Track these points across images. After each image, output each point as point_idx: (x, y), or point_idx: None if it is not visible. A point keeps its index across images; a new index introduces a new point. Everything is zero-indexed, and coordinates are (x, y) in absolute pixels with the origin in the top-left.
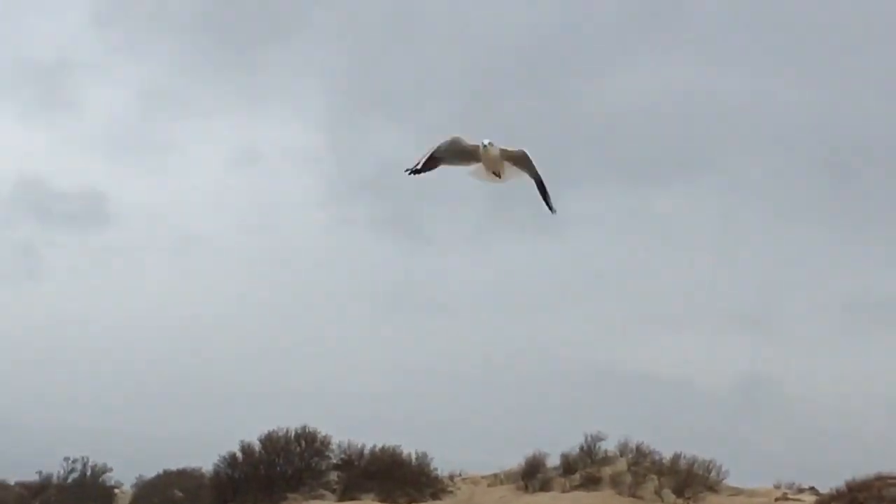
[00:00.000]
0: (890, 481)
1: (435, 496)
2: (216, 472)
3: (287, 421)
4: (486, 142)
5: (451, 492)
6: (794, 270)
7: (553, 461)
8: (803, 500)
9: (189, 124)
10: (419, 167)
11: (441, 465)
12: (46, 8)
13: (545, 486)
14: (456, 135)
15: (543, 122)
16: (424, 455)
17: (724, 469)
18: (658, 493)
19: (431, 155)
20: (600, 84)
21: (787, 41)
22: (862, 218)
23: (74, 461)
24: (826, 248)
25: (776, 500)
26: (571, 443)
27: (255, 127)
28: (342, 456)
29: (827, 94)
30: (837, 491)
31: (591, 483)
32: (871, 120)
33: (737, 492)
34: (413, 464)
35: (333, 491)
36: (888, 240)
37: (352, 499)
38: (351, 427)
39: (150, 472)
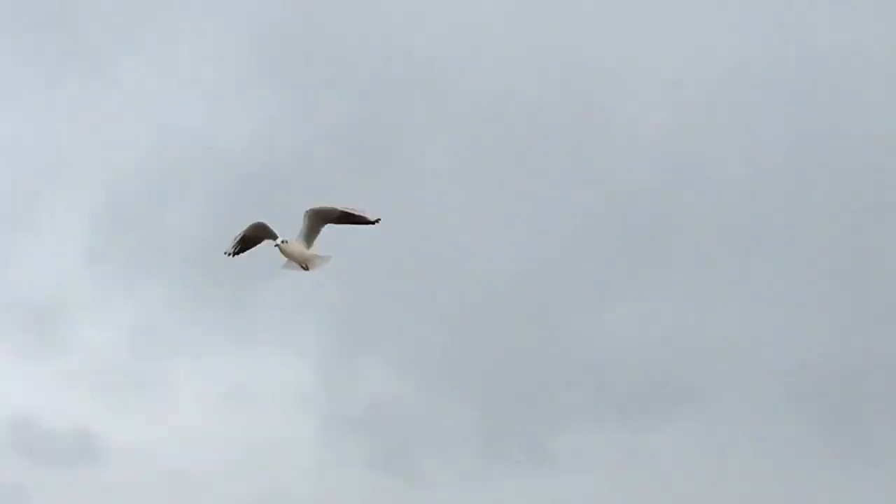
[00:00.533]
0: None
1: None
2: None
3: None
4: (279, 240)
5: None
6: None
7: None
8: None
9: (180, 361)
10: (233, 250)
11: None
12: (44, 248)
13: None
14: (262, 221)
15: (534, 357)
16: None
17: None
18: None
19: (242, 237)
20: (590, 319)
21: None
22: (865, 459)
23: None
24: (826, 494)
25: None
26: None
27: (246, 364)
28: None
29: (818, 323)
30: None
31: None
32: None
33: None
34: None
35: None
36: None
37: None
38: None
39: None
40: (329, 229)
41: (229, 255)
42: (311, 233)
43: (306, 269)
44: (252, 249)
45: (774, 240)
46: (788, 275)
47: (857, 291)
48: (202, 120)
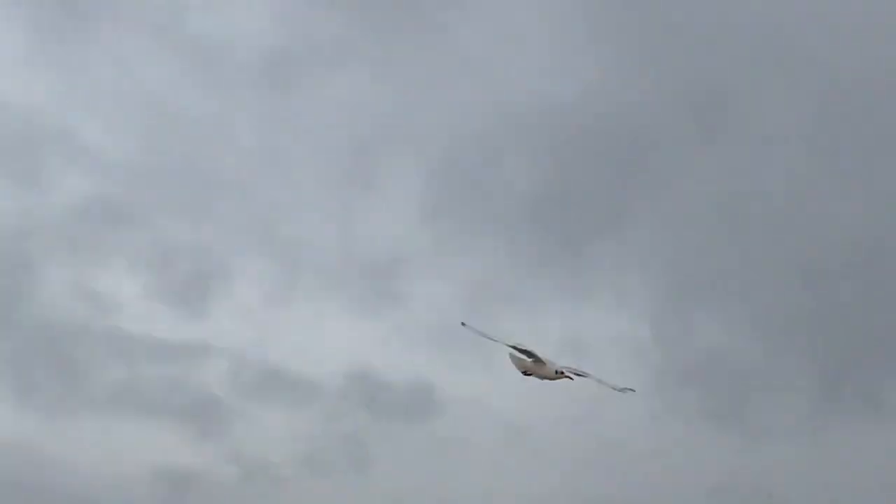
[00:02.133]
0: None
1: None
2: None
3: None
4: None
5: None
6: None
7: None
8: None
9: (514, 317)
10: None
11: None
12: (382, 205)
13: None
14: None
15: (870, 308)
16: None
17: None
18: None
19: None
20: None
21: None
22: None
23: None
24: None
25: None
26: None
27: (580, 319)
28: None
29: None
30: None
31: None
32: None
33: None
34: None
35: None
36: None
37: None
38: None
39: None
40: None
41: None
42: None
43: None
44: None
45: None
46: None
47: None
48: (536, 77)
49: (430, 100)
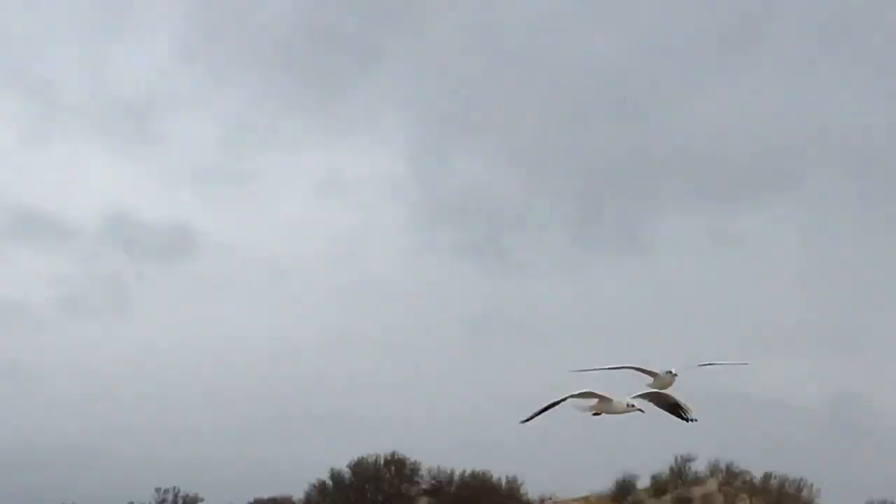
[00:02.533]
0: None
1: None
2: (307, 500)
3: (376, 447)
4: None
5: None
6: (881, 287)
7: (643, 483)
8: None
9: (274, 156)
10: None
11: (532, 489)
12: (132, 43)
13: None
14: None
15: (628, 147)
16: (515, 479)
17: (815, 488)
18: None
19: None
20: (682, 108)
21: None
22: None
23: (165, 491)
24: None
25: None
26: (661, 464)
27: (339, 157)
28: (432, 482)
29: None
30: None
31: None
32: None
33: None
34: (503, 488)
35: None
36: None
37: None
38: (441, 452)
39: (241, 501)
40: None
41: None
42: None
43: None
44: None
45: (866, 25)
46: (881, 60)
47: None
48: None
49: None
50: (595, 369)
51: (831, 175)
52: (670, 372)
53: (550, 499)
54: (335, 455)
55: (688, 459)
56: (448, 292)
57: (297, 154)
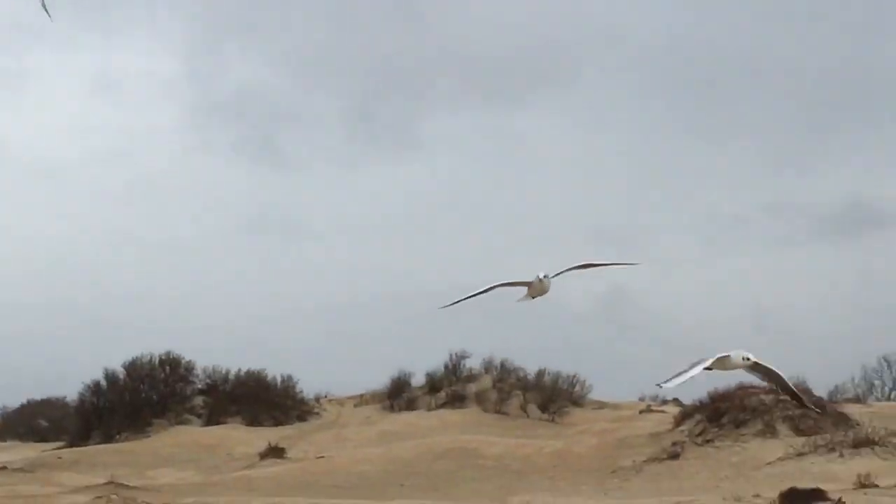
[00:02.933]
0: (751, 391)
1: (301, 418)
2: (81, 401)
3: (151, 347)
4: (543, 274)
5: (318, 413)
6: (656, 185)
7: (418, 380)
8: (667, 412)
9: (44, 54)
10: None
11: (307, 388)
12: None
13: (411, 405)
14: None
15: (404, 45)
16: (290, 378)
17: (588, 384)
18: (523, 408)
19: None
20: (458, 5)
21: None
22: (724, 132)
23: None
24: (689, 163)
25: (640, 412)
26: (436, 362)
27: (113, 55)
28: (207, 381)
29: (687, 10)
30: (700, 402)
31: (456, 401)
32: (733, 34)
33: (601, 405)
34: (278, 387)
35: (199, 416)
36: (751, 152)
37: (218, 423)
38: (216, 352)
39: (14, 403)
40: None
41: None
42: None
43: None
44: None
45: None
46: None
47: None
48: None
49: None
50: (465, 299)
51: (607, 73)
52: (541, 277)
53: (326, 396)
54: (111, 358)
55: (462, 357)
56: (224, 192)
57: (69, 52)
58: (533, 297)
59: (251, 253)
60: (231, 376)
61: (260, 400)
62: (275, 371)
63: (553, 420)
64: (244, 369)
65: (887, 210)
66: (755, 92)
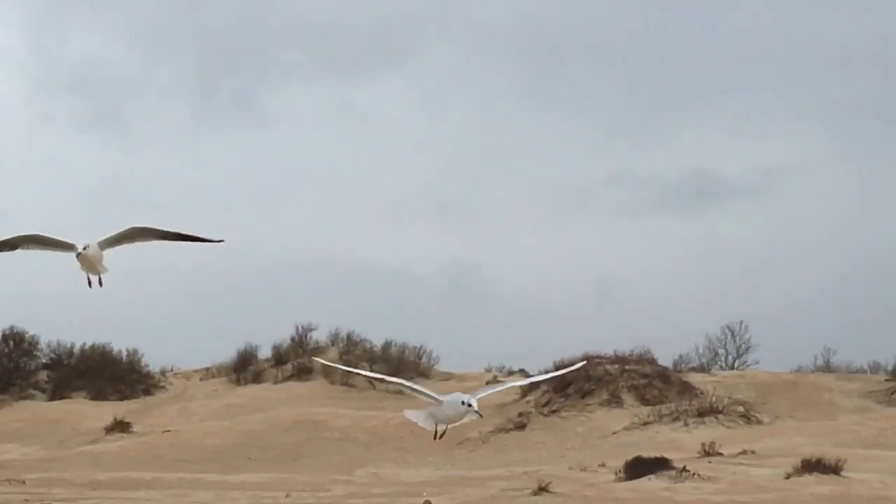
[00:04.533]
0: (597, 361)
1: (147, 392)
2: None
3: None
4: (81, 246)
5: (164, 387)
6: (499, 157)
7: (265, 353)
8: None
9: None
10: None
11: (152, 362)
12: None
13: (257, 378)
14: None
15: (246, 20)
16: (135, 352)
17: (435, 355)
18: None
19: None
20: None
21: None
22: (567, 105)
23: None
24: (534, 136)
25: (487, 383)
26: (283, 334)
27: None
28: (51, 355)
29: None
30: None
31: (303, 373)
32: (576, 8)
33: (448, 376)
34: (124, 361)
35: (44, 391)
36: (594, 125)
37: (63, 398)
38: (60, 326)
39: None
40: None
41: None
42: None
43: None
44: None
45: None
46: None
47: None
48: None
49: None
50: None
51: (452, 48)
52: (77, 249)
53: (171, 370)
54: None
55: (309, 329)
56: (68, 166)
57: None
58: (86, 269)
59: (95, 227)
60: (76, 350)
61: (105, 374)
62: (120, 345)
63: (400, 392)
64: (89, 343)
65: (729, 181)
66: (598, 65)
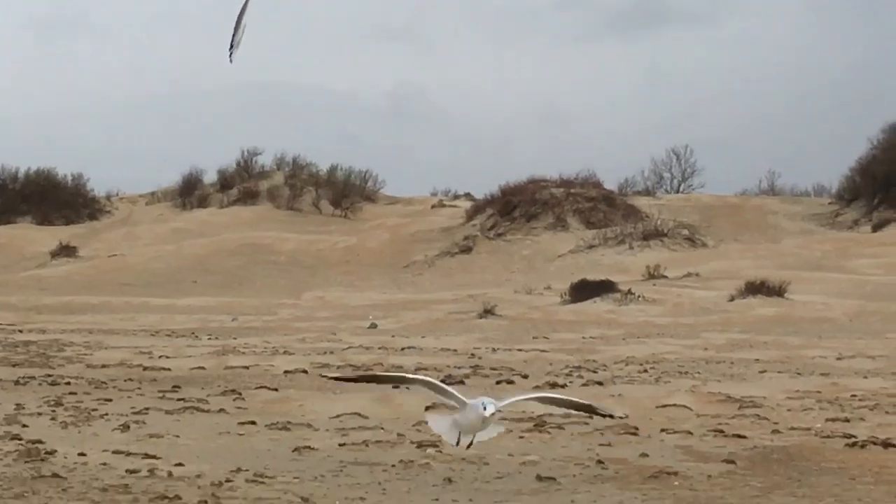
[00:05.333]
0: (542, 184)
1: (92, 217)
2: None
3: None
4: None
5: (109, 212)
6: None
7: (210, 177)
8: (459, 206)
9: None
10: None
11: (98, 186)
12: None
13: (203, 203)
14: None
15: None
16: (80, 176)
17: (381, 179)
18: (316, 204)
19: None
20: None
21: None
22: None
23: None
24: None
25: (432, 207)
26: (228, 159)
27: None
28: None
29: None
30: (492, 196)
31: (248, 197)
32: None
33: (394, 201)
34: (69, 185)
35: None
36: None
37: (8, 223)
38: (4, 150)
39: None
40: None
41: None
42: None
43: None
44: None
45: None
46: None
47: None
48: None
49: None
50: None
51: None
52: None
53: (117, 195)
54: None
55: (254, 153)
56: None
57: None
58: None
59: (37, 50)
60: (20, 175)
61: (50, 199)
62: (65, 170)
63: (346, 216)
64: (34, 168)
65: (676, 5)
66: None
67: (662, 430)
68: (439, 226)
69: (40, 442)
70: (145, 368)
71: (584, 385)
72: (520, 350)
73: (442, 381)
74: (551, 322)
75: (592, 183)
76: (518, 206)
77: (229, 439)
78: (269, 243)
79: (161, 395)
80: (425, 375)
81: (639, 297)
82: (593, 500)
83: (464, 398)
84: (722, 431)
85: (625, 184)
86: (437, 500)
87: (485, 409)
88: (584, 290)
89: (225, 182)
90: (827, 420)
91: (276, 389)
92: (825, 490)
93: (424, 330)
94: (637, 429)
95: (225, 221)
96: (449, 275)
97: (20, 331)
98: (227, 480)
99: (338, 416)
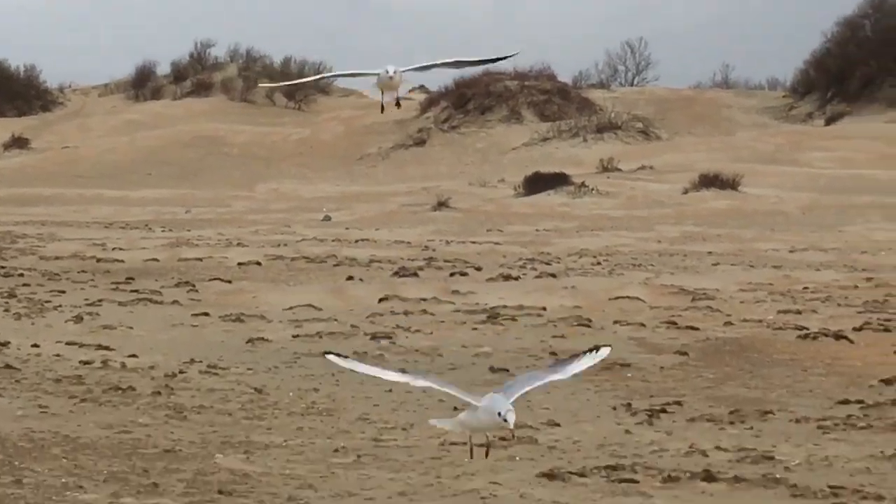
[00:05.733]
0: (496, 77)
1: (45, 108)
2: None
3: None
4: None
5: (62, 103)
6: None
7: (163, 69)
8: (413, 99)
9: None
10: None
11: (50, 78)
12: None
13: (156, 95)
14: None
15: None
16: (33, 68)
17: (333, 68)
18: (269, 96)
19: None
20: None
21: None
22: None
23: None
24: None
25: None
26: (181, 51)
27: None
28: None
29: None
30: (446, 88)
31: (202, 90)
32: None
33: (348, 93)
34: (21, 77)
35: None
36: None
37: None
38: None
39: None
40: None
41: None
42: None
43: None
44: None
45: None
46: None
47: None
48: None
49: None
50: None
51: None
52: (389, 73)
53: (70, 86)
54: None
55: (207, 45)
56: None
57: None
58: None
59: None
60: None
61: (2, 90)
62: (17, 61)
63: (300, 108)
64: None
65: None
66: None
67: (615, 322)
68: (393, 118)
69: None
70: (99, 260)
71: (537, 277)
72: (473, 242)
73: (396, 274)
74: (505, 215)
75: (547, 76)
76: (472, 98)
77: (183, 331)
78: (223, 135)
79: (115, 286)
80: (432, 374)
81: (592, 189)
82: (545, 391)
83: (473, 400)
84: (675, 323)
85: (579, 77)
86: (390, 391)
87: (505, 419)
88: (537, 183)
89: (178, 74)
90: (779, 312)
91: (229, 281)
92: (777, 381)
93: (378, 222)
94: (590, 321)
95: (178, 114)
96: (403, 167)
97: None
98: (181, 372)
99: (291, 307)
